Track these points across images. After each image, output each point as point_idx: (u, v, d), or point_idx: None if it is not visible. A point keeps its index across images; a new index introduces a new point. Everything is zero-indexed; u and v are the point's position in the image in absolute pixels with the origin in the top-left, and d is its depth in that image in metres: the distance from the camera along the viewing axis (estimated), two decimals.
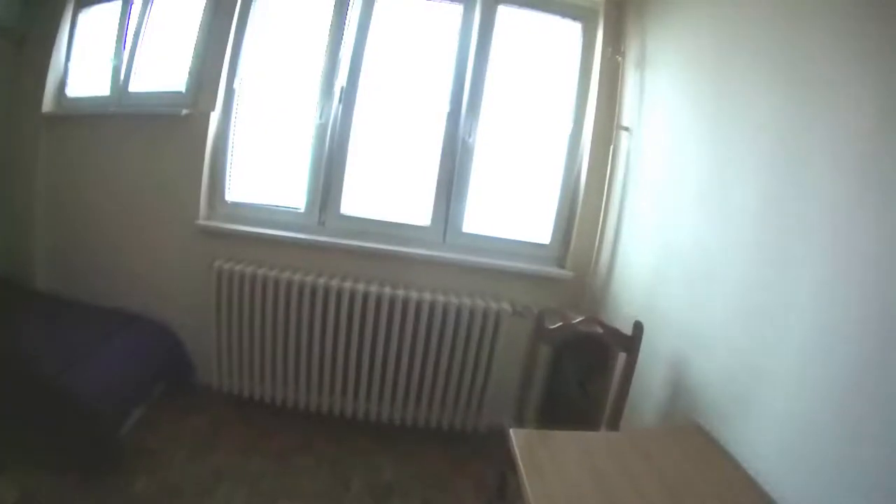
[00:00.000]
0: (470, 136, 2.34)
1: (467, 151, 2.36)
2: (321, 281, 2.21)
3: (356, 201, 2.39)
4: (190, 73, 2.34)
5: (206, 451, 2.07)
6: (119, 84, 2.47)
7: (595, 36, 2.33)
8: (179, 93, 2.36)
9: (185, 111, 2.29)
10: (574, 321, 1.68)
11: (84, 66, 2.54)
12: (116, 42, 2.45)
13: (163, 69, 2.42)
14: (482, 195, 2.37)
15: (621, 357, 1.72)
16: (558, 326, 1.65)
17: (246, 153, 2.43)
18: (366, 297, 2.19)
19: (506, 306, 2.21)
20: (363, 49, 2.31)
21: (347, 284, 2.20)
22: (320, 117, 2.32)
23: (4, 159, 2.54)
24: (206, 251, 2.33)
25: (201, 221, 2.36)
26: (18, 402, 1.82)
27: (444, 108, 2.33)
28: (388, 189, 2.40)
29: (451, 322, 2.20)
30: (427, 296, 2.19)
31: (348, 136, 2.35)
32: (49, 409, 1.81)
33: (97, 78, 2.49)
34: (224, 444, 2.13)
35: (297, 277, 2.21)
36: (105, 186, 2.47)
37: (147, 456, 1.97)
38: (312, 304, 2.22)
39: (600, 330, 1.70)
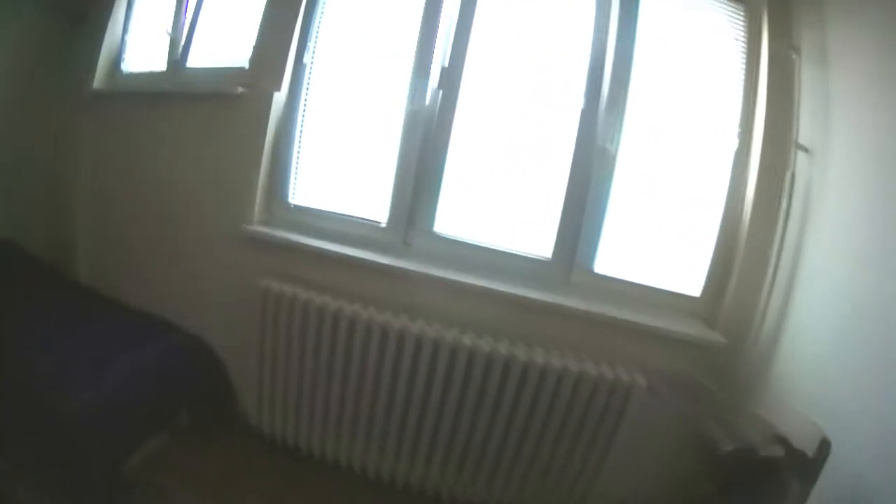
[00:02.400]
0: (611, 142, 2.09)
1: (607, 163, 2.05)
2: (399, 322, 1.99)
3: (454, 217, 2.16)
4: (255, 47, 2.23)
5: (225, 499, 2.01)
6: (176, 59, 2.48)
7: (761, 25, 2.07)
8: (241, 69, 2.27)
9: (240, 89, 2.18)
10: (748, 437, 1.48)
11: (142, 39, 2.65)
12: (176, 11, 2.48)
13: (225, 41, 2.39)
14: (622, 223, 2.10)
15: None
16: (735, 452, 1.45)
17: (316, 145, 2.28)
18: (455, 350, 1.92)
19: (639, 379, 2.02)
20: (472, 16, 2.08)
21: (433, 331, 1.95)
22: (411, 103, 2.12)
23: (51, 138, 2.75)
24: (256, 264, 2.21)
25: (253, 227, 2.23)
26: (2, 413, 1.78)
27: (576, 102, 2.06)
28: (499, 203, 2.13)
29: (566, 393, 1.92)
30: (538, 356, 1.94)
31: (449, 129, 2.10)
32: (36, 425, 1.77)
33: (154, 52, 2.55)
34: (247, 492, 2.07)
35: (367, 313, 2.01)
36: (151, 173, 2.48)
37: (155, 495, 1.92)
38: (382, 349, 2.01)
39: (781, 452, 1.50)
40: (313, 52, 2.21)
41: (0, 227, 2.63)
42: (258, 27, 2.24)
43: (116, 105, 2.57)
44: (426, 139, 2.12)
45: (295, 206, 2.29)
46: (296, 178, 2.28)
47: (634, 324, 1.96)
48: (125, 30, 2.64)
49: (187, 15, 2.44)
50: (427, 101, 2.11)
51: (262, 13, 2.24)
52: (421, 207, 2.17)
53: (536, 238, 2.11)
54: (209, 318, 2.35)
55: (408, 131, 2.13)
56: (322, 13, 2.21)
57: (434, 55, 2.09)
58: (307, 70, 2.22)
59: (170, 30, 2.47)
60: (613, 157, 2.04)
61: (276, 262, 2.19)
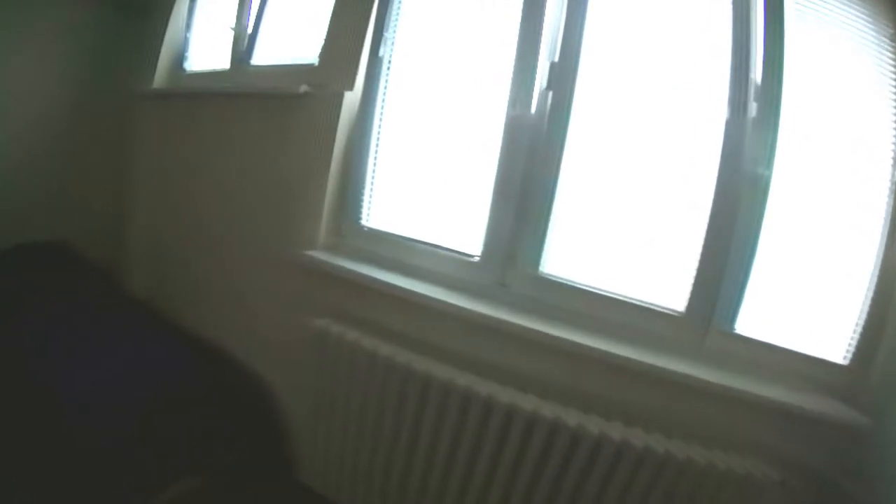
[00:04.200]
0: (764, 164, 1.82)
1: (758, 192, 1.80)
2: (485, 386, 1.83)
3: (566, 254, 1.97)
4: (326, 39, 2.24)
5: None
6: (240, 56, 2.59)
7: None
8: (311, 66, 2.30)
9: (303, 88, 2.19)
10: None
11: (205, 36, 2.83)
12: (240, 4, 2.60)
13: (295, 35, 2.44)
14: (770, 269, 1.82)
15: None
16: None
17: (395, 156, 2.22)
18: (555, 428, 1.73)
19: (772, 474, 1.68)
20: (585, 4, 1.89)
21: (527, 401, 1.77)
22: (513, 107, 1.96)
23: (109, 138, 3.03)
24: (316, 297, 2.19)
25: (316, 253, 2.19)
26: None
27: (718, 111, 1.79)
28: (622, 237, 1.91)
29: (686, 487, 1.69)
30: (659, 443, 1.72)
31: (561, 141, 1.91)
32: (59, 452, 1.85)
33: (218, 50, 2.69)
34: None
35: (445, 372, 1.87)
36: (207, 181, 2.63)
37: None
38: (462, 417, 1.86)
39: None
40: (392, 42, 2.14)
41: (56, 229, 2.89)
42: (330, 15, 2.23)
43: (177, 105, 2.69)
44: (532, 152, 1.95)
45: (368, 229, 2.25)
46: (371, 196, 2.25)
47: (779, 403, 1.70)
48: (188, 26, 2.81)
49: (252, 8, 2.54)
50: (534, 106, 1.93)
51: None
52: (524, 239, 1.99)
53: (665, 284, 1.87)
54: (263, 352, 2.39)
55: (509, 142, 1.97)
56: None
57: (541, 47, 1.91)
58: (384, 65, 2.16)
59: (233, 25, 2.55)
60: (766, 185, 1.74)
61: (339, 297, 2.15)
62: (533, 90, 1.92)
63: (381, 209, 2.24)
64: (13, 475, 1.86)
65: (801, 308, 1.81)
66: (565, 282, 1.95)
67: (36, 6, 2.79)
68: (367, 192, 2.23)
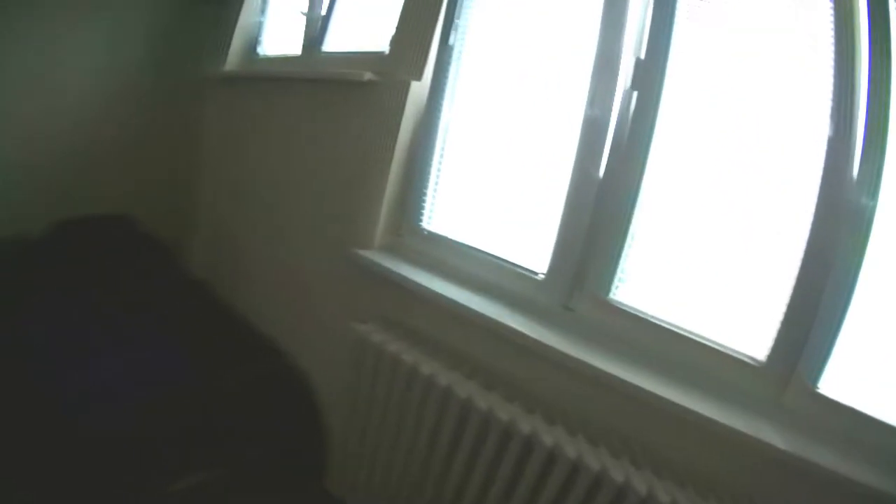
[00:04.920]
0: (869, 193, 1.58)
1: (860, 224, 1.59)
2: (529, 422, 1.72)
3: (642, 279, 1.82)
4: (398, 26, 2.24)
5: None
6: (312, 41, 2.68)
7: None
8: (381, 54, 2.31)
9: (367, 76, 2.21)
10: None
11: (279, 21, 2.97)
12: None
13: (368, 21, 2.48)
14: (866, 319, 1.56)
15: None
16: None
17: (462, 155, 2.18)
18: (599, 480, 1.58)
19: None
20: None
21: (573, 446, 1.65)
22: (592, 106, 1.83)
23: (178, 120, 3.29)
24: (364, 300, 2.23)
25: (369, 254, 2.20)
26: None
27: (818, 128, 1.57)
28: (709, 265, 1.74)
29: None
30: None
31: (645, 148, 1.76)
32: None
33: (291, 35, 2.80)
34: None
35: (487, 400, 1.78)
36: (271, 167, 2.71)
37: None
38: (500, 450, 1.76)
39: None
40: (463, 30, 2.10)
41: (123, 204, 3.16)
42: (403, 0, 2.23)
43: (247, 89, 2.83)
44: (612, 160, 1.81)
45: (428, 232, 2.23)
46: (434, 197, 2.22)
47: (873, 489, 1.43)
48: (262, 11, 2.94)
49: None
50: (616, 107, 1.80)
51: None
52: (595, 260, 1.86)
53: (746, 327, 1.67)
54: (309, 348, 2.45)
55: (586, 147, 1.84)
56: None
57: (625, 40, 1.78)
58: (454, 54, 2.12)
59: (305, 9, 2.63)
60: (870, 218, 1.49)
61: (389, 302, 2.15)
62: (615, 89, 1.79)
63: (444, 212, 2.21)
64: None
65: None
66: (636, 312, 1.80)
67: None
68: (430, 192, 2.21)
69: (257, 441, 2.31)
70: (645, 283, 1.79)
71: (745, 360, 1.64)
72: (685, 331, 1.72)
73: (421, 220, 2.24)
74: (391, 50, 2.26)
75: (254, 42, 3.07)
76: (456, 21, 2.11)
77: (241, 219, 2.90)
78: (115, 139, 3.20)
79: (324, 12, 2.65)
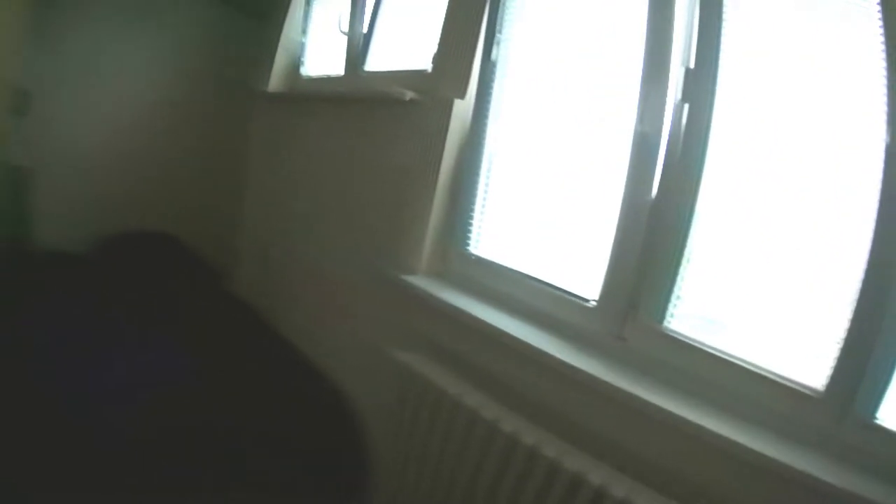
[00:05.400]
0: None
1: None
2: (576, 461, 1.68)
3: (696, 307, 1.77)
4: (439, 43, 2.27)
5: None
6: (353, 60, 2.77)
7: None
8: (423, 72, 2.37)
9: (409, 95, 2.26)
10: None
11: (320, 41, 3.10)
12: (352, 6, 2.78)
13: (410, 39, 2.54)
14: None
15: None
16: None
17: (509, 176, 2.21)
18: None
19: None
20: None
21: (623, 486, 1.60)
22: (642, 122, 1.80)
23: (223, 139, 3.47)
24: (409, 326, 2.23)
25: (415, 279, 2.23)
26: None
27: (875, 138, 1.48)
28: (755, 289, 1.70)
29: None
30: None
31: (699, 165, 1.71)
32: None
33: (334, 55, 2.91)
34: None
35: (533, 436, 1.76)
36: (315, 188, 2.83)
37: None
38: (544, 491, 1.73)
39: None
40: (506, 44, 2.13)
41: (167, 221, 3.38)
42: (443, 16, 2.26)
43: (291, 109, 2.97)
44: (665, 178, 1.77)
45: (475, 257, 2.26)
46: (481, 220, 2.25)
47: None
48: (304, 31, 3.08)
49: (366, 13, 2.70)
50: (668, 121, 1.76)
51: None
52: (649, 286, 1.81)
53: (805, 355, 1.61)
54: (352, 372, 2.49)
55: (638, 165, 1.81)
56: None
57: (671, 54, 1.74)
58: (498, 70, 2.16)
59: (345, 28, 2.72)
60: None
61: (434, 328, 2.16)
62: (665, 102, 1.76)
63: (491, 235, 2.23)
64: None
65: None
66: (692, 342, 1.73)
67: (176, 9, 3.31)
68: (476, 214, 2.24)
69: (299, 463, 2.34)
70: (700, 309, 1.76)
71: (804, 391, 1.58)
72: (745, 362, 1.65)
73: (468, 244, 2.25)
74: (433, 68, 2.30)
75: (297, 62, 3.20)
76: (498, 35, 2.13)
77: (284, 240, 3.01)
78: (162, 157, 3.45)
79: (364, 30, 2.73)
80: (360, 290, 2.50)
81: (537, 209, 2.11)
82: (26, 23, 2.78)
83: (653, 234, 1.78)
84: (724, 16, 1.66)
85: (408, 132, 2.31)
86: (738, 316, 1.71)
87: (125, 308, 2.77)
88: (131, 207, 3.43)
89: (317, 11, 3.22)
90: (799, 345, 1.60)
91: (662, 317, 1.77)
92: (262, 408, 2.35)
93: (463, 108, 2.18)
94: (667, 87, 1.74)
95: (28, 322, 2.57)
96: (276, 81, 3.22)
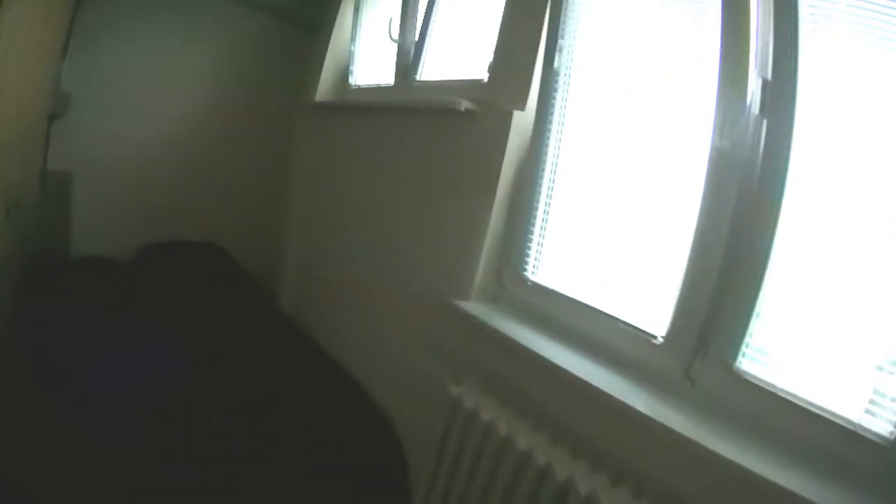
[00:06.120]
0: None
1: None
2: None
3: (772, 346, 1.67)
4: (496, 50, 2.29)
5: None
6: (405, 70, 2.83)
7: None
8: (479, 82, 2.38)
9: (464, 106, 2.26)
10: None
11: (370, 50, 3.18)
12: (403, 13, 2.85)
13: (464, 48, 2.55)
14: None
15: None
16: None
17: (571, 195, 2.16)
18: None
19: None
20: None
21: None
22: (721, 136, 1.73)
23: (271, 149, 3.72)
24: (460, 351, 2.25)
25: (468, 304, 2.23)
26: None
27: None
28: (838, 328, 1.58)
29: None
30: None
31: (780, 186, 1.64)
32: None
33: (384, 65, 2.97)
34: None
35: (588, 482, 1.71)
36: (362, 202, 2.89)
37: None
38: None
39: None
40: (569, 51, 2.10)
41: (209, 234, 3.56)
42: (500, 22, 2.28)
43: (339, 120, 3.05)
44: (741, 201, 1.69)
45: (533, 283, 2.22)
46: (540, 243, 2.22)
47: None
48: (353, 39, 3.18)
49: (418, 21, 2.74)
50: (749, 135, 1.68)
51: (504, 2, 2.29)
52: (723, 322, 1.73)
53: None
54: (396, 398, 2.52)
55: (715, 184, 1.74)
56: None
57: (751, 65, 1.68)
58: (560, 79, 2.12)
59: (395, 35, 2.76)
60: None
61: (486, 357, 2.16)
62: (746, 114, 1.68)
63: (551, 260, 2.20)
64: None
65: None
66: (768, 387, 1.65)
67: (215, 14, 3.49)
68: (535, 237, 2.22)
69: (338, 482, 2.36)
70: (776, 348, 1.67)
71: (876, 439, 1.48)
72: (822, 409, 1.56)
73: (525, 269, 2.23)
74: (490, 77, 2.31)
75: (345, 71, 3.30)
76: (560, 41, 2.11)
77: (330, 255, 3.09)
78: (207, 167, 3.66)
79: (416, 38, 2.77)
80: (409, 311, 2.52)
81: (601, 232, 2.06)
82: (73, 28, 3.00)
83: (729, 262, 1.72)
84: (800, 18, 1.61)
85: (463, 146, 2.32)
86: (818, 357, 1.61)
87: (163, 315, 2.91)
88: (174, 217, 3.64)
89: (366, 19, 3.31)
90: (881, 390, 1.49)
91: (735, 356, 1.70)
92: (299, 425, 2.40)
93: (522, 121, 2.17)
94: (747, 97, 1.68)
95: (57, 324, 2.72)
96: (323, 91, 3.32)
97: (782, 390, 1.61)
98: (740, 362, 1.69)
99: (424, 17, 2.78)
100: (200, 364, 2.60)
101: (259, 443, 2.25)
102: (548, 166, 2.16)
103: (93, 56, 3.23)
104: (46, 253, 3.20)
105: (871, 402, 1.49)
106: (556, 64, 2.13)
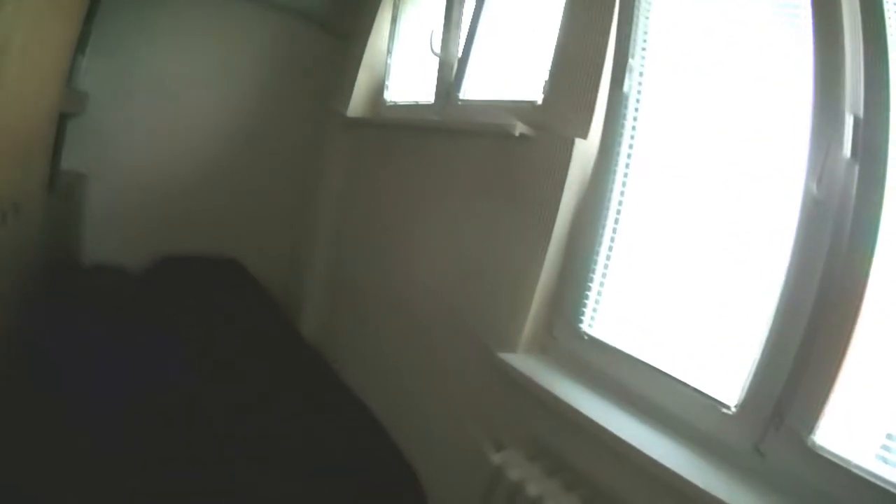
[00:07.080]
0: None
1: None
2: None
3: (854, 420, 1.63)
4: (551, 69, 2.27)
5: None
6: (446, 88, 2.85)
7: None
8: (532, 104, 2.37)
9: (519, 130, 2.23)
10: None
11: (408, 66, 3.23)
12: (445, 25, 2.85)
13: (514, 66, 2.54)
14: None
15: None
16: None
17: (638, 241, 2.13)
18: None
19: None
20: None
21: None
22: (814, 180, 1.68)
23: (299, 165, 3.82)
24: (503, 409, 2.22)
25: (514, 357, 2.19)
26: None
27: None
28: None
29: None
30: None
31: (872, 238, 1.58)
32: None
33: (423, 81, 3.01)
34: None
35: None
36: (396, 228, 2.92)
37: None
38: None
39: None
40: (640, 72, 2.06)
41: (228, 250, 3.68)
42: (557, 36, 2.27)
43: (372, 138, 3.13)
44: (831, 255, 1.64)
45: (589, 337, 2.19)
46: (600, 292, 2.20)
47: None
48: (389, 52, 3.23)
49: (462, 33, 2.76)
50: (842, 182, 1.63)
51: (561, 16, 2.29)
52: (800, 392, 1.68)
53: None
54: (424, 448, 2.50)
55: (807, 236, 1.69)
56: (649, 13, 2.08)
57: (846, 100, 1.64)
58: (630, 104, 2.10)
59: (437, 49, 2.77)
60: None
61: (532, 418, 2.12)
62: (839, 158, 1.64)
63: (611, 313, 2.18)
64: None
65: None
66: (847, 465, 1.58)
67: (244, 16, 3.61)
68: (595, 285, 2.20)
69: None
70: (859, 422, 1.63)
71: None
72: None
73: (581, 321, 2.22)
74: (545, 99, 2.30)
75: (380, 85, 3.37)
76: (630, 61, 2.08)
77: (362, 284, 3.10)
78: (230, 178, 3.76)
79: (460, 53, 2.78)
80: (445, 358, 2.50)
81: (670, 284, 2.04)
82: (94, 25, 3.13)
83: (816, 323, 1.67)
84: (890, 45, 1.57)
85: (516, 175, 2.30)
86: None
87: (178, 328, 3.00)
88: (191, 227, 3.75)
89: (404, 30, 3.37)
90: None
91: (811, 429, 1.65)
92: (313, 466, 2.42)
93: (584, 151, 2.14)
94: (843, 140, 1.64)
95: (67, 330, 2.82)
96: (356, 105, 3.39)
97: (856, 466, 1.57)
98: (817, 436, 1.66)
99: (469, 29, 2.80)
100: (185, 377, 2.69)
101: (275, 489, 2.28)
102: (612, 204, 2.14)
103: (114, 55, 3.35)
104: (56, 258, 3.29)
105: None
106: (625, 87, 2.11)
